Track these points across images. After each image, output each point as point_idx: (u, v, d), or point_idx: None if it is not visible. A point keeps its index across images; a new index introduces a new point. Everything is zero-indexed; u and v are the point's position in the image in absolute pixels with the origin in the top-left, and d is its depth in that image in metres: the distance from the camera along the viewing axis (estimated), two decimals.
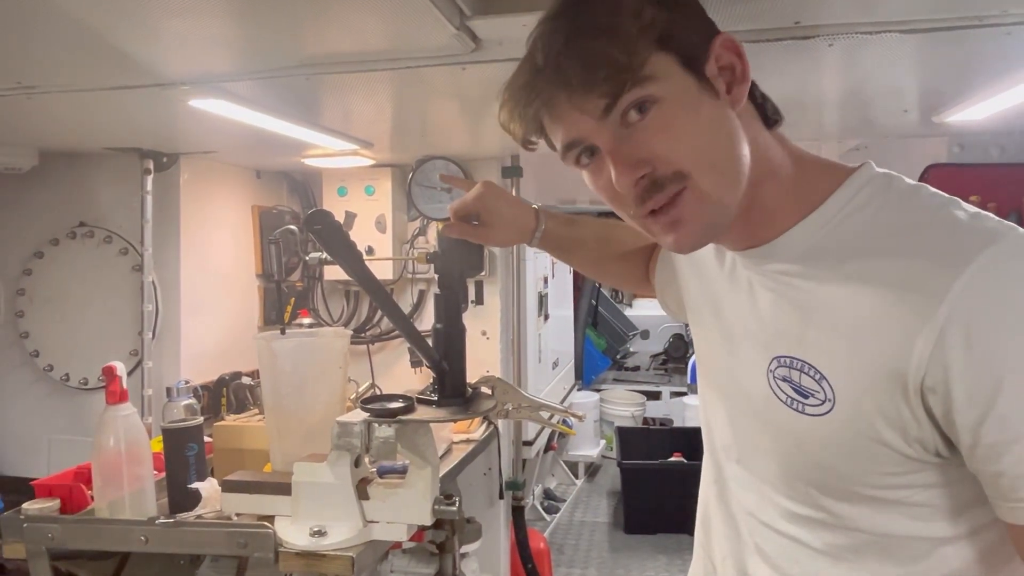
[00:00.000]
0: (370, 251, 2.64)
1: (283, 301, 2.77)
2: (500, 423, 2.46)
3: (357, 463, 1.34)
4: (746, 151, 0.71)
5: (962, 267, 0.62)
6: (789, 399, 0.74)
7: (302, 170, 2.84)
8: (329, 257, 1.56)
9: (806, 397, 0.72)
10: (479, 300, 2.67)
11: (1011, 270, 0.62)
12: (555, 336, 3.65)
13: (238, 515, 1.43)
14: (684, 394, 5.46)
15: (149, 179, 2.31)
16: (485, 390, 1.30)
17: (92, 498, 1.48)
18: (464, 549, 2.02)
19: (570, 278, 4.23)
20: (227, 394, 2.37)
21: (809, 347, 0.72)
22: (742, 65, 0.71)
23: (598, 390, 5.51)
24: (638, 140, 0.69)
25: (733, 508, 0.86)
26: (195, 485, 1.49)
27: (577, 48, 0.68)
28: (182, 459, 1.51)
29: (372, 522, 1.35)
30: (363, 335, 2.82)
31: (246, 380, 2.35)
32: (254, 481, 1.44)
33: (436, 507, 1.35)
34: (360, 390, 2.39)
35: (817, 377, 0.71)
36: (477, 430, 2.25)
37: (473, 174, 2.62)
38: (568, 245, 1.20)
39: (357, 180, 2.68)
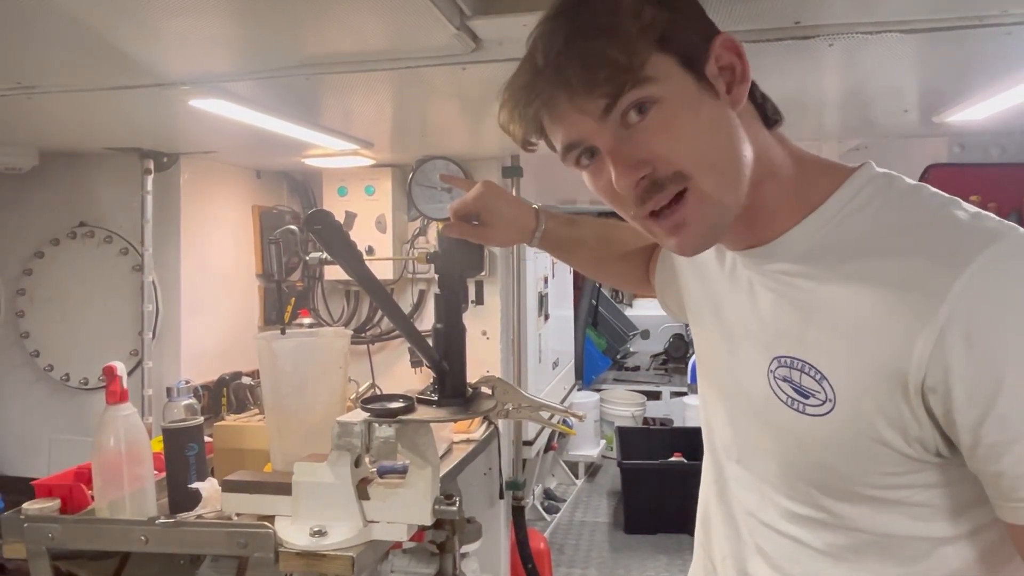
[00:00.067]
0: (370, 251, 2.64)
1: (283, 301, 2.77)
2: (500, 423, 2.46)
3: (357, 463, 1.34)
4: (747, 151, 0.71)
5: (963, 267, 0.62)
6: (789, 399, 0.74)
7: (302, 170, 2.85)
8: (329, 257, 1.56)
9: (806, 397, 0.72)
10: (479, 300, 2.67)
11: (1011, 270, 0.62)
12: (555, 336, 3.65)
13: (238, 515, 1.43)
14: (684, 394, 5.46)
15: (149, 179, 2.31)
16: (485, 390, 1.30)
17: (92, 498, 1.48)
18: (464, 549, 2.02)
19: (570, 278, 4.23)
20: (227, 394, 2.37)
21: (809, 347, 0.72)
22: (742, 65, 0.71)
23: (598, 390, 5.51)
24: (638, 141, 0.69)
25: (734, 508, 0.86)
26: (195, 485, 1.49)
27: (577, 48, 0.68)
28: (182, 459, 1.51)
29: (372, 522, 1.35)
30: (363, 335, 2.82)
31: (246, 380, 2.35)
32: (254, 481, 1.44)
33: (436, 507, 1.35)
34: (360, 390, 2.39)
35: (818, 377, 0.71)
36: (477, 430, 2.25)
37: (473, 174, 2.62)
38: (568, 245, 1.20)
39: (357, 180, 2.68)
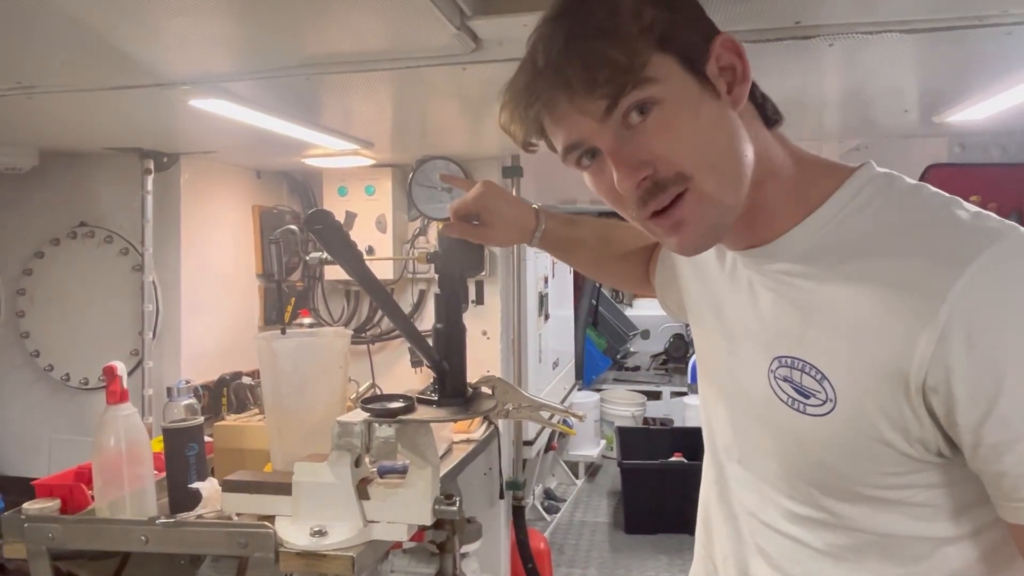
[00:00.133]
0: (370, 251, 2.64)
1: (283, 301, 2.77)
2: (500, 423, 2.46)
3: (357, 463, 1.34)
4: (748, 151, 0.71)
5: (963, 267, 0.62)
6: (790, 399, 0.74)
7: (302, 170, 2.84)
8: (329, 257, 1.56)
9: (807, 397, 0.72)
10: (479, 300, 2.67)
11: (1012, 270, 0.62)
12: (555, 336, 3.65)
13: (238, 515, 1.43)
14: (684, 394, 5.46)
15: (149, 179, 2.31)
16: (485, 390, 1.30)
17: (92, 498, 1.48)
18: (464, 549, 2.01)
19: (570, 278, 4.23)
20: (227, 394, 2.37)
21: (810, 347, 0.72)
22: (742, 65, 0.71)
23: (598, 390, 5.51)
24: (639, 142, 0.69)
25: (734, 508, 0.86)
26: (195, 485, 1.49)
27: (577, 49, 0.68)
28: (182, 459, 1.51)
29: (372, 522, 1.35)
30: (363, 335, 2.82)
31: (246, 380, 2.35)
32: (254, 481, 1.44)
33: (436, 507, 1.35)
34: (360, 390, 2.39)
35: (818, 377, 0.71)
36: (477, 430, 2.25)
37: (473, 174, 2.62)
38: (568, 245, 1.20)
39: (357, 180, 2.68)
